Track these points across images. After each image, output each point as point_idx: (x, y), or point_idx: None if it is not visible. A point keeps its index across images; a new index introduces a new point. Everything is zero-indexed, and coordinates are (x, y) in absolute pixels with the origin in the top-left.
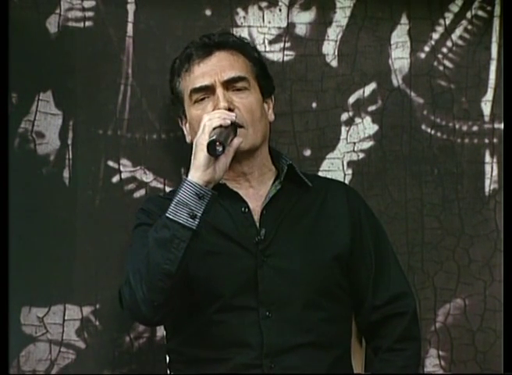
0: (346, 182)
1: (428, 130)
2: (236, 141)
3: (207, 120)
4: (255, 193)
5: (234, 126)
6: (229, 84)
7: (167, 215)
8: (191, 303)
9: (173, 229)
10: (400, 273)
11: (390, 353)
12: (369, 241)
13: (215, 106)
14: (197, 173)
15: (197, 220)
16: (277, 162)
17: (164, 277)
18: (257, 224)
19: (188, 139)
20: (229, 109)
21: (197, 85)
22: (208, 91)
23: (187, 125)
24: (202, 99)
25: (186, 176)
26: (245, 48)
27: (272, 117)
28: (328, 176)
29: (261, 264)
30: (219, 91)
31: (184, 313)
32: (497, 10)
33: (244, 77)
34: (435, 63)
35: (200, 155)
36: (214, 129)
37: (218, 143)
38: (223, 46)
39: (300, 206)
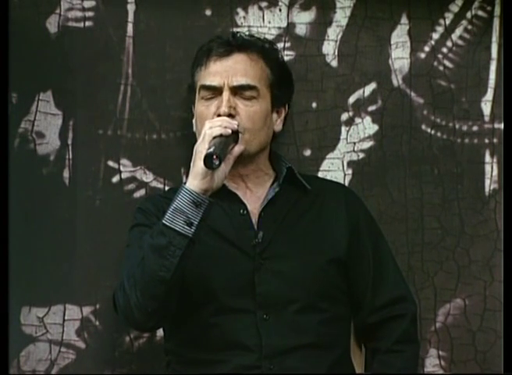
0: (346, 182)
1: (428, 130)
2: (237, 149)
3: (208, 128)
4: (253, 195)
5: (236, 135)
6: (237, 90)
7: (163, 221)
8: (188, 305)
9: (169, 236)
10: (399, 276)
11: (389, 355)
12: (367, 243)
13: (218, 108)
14: (195, 181)
15: (194, 228)
16: (276, 165)
17: (158, 284)
18: (255, 227)
19: (194, 128)
20: (230, 115)
21: (207, 83)
22: (215, 91)
23: (195, 117)
24: (209, 98)
25: (187, 176)
26: (267, 54)
27: (279, 128)
28: (328, 176)
29: (258, 267)
30: (225, 94)
31: (181, 315)
32: (497, 10)
33: (254, 86)
34: (435, 63)
35: (198, 164)
36: (214, 138)
37: (214, 156)
38: (244, 48)
39: (298, 209)
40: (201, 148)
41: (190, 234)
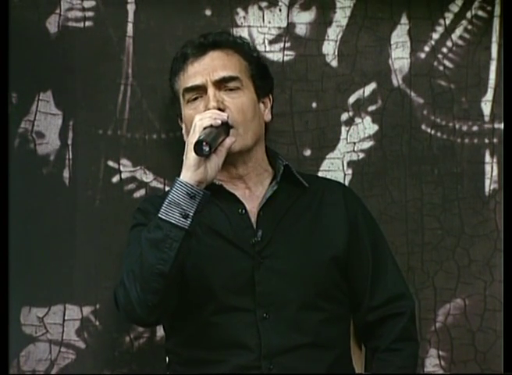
0: (346, 182)
1: (428, 130)
2: (229, 141)
3: (198, 120)
4: (252, 194)
5: (226, 126)
6: (220, 84)
7: (159, 215)
8: (188, 304)
9: (166, 229)
10: (397, 274)
11: (388, 353)
12: (366, 241)
13: (206, 106)
14: (188, 172)
15: (190, 220)
16: (274, 163)
17: (157, 277)
18: (254, 226)
19: (185, 138)
20: (220, 109)
21: (189, 84)
22: (200, 90)
23: (184, 124)
24: (195, 99)
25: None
26: (241, 47)
27: (268, 117)
28: (328, 176)
29: (258, 266)
30: (210, 90)
31: (181, 314)
32: (497, 10)
33: (236, 77)
34: (435, 63)
35: (190, 155)
36: (204, 129)
37: (204, 143)
38: (218, 45)
39: (297, 207)
40: (192, 140)
41: (186, 226)
